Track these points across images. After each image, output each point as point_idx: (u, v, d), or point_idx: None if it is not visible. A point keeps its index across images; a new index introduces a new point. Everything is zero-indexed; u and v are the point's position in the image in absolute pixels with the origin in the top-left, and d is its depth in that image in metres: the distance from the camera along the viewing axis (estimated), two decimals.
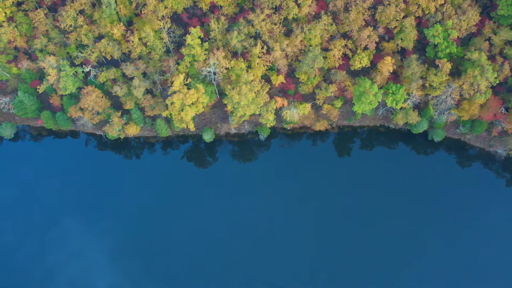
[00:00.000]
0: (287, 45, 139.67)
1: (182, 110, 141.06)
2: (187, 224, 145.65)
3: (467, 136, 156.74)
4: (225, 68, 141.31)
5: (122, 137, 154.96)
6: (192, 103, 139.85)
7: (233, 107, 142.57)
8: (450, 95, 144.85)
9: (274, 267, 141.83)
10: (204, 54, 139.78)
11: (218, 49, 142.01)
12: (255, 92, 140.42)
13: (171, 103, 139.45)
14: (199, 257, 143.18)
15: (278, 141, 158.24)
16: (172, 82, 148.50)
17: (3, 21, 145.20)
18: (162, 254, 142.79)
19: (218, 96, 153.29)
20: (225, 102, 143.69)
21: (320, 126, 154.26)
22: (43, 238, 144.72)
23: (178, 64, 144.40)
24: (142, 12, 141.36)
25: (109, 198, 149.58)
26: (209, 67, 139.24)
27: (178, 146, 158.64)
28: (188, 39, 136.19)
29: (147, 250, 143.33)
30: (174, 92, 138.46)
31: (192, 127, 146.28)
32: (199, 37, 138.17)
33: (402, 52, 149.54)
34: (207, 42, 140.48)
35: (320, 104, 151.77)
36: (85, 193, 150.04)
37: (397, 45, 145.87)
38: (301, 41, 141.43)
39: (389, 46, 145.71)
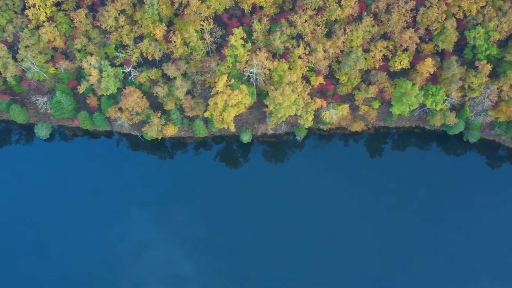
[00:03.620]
0: (329, 46, 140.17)
1: (224, 110, 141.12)
2: (228, 221, 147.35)
3: (502, 137, 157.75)
4: (268, 69, 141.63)
5: (159, 138, 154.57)
6: (235, 104, 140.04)
7: (275, 108, 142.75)
8: (488, 97, 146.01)
9: (308, 265, 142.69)
10: (247, 55, 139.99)
11: (260, 49, 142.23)
12: (297, 93, 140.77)
13: (214, 104, 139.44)
14: (232, 256, 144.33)
15: (315, 142, 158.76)
16: (210, 83, 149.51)
17: (43, 21, 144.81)
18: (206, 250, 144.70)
19: (255, 96, 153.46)
20: (267, 103, 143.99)
21: (357, 127, 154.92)
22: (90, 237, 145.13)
23: (218, 64, 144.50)
24: (185, 12, 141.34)
25: (153, 198, 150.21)
26: (252, 68, 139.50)
27: (216, 146, 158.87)
28: (232, 39, 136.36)
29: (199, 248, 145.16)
30: (217, 93, 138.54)
31: (232, 127, 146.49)
32: (241, 38, 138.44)
33: (439, 53, 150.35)
34: (249, 43, 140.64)
35: (359, 105, 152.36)
36: (127, 193, 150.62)
37: (436, 46, 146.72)
38: (343, 42, 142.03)
39: (428, 47, 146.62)
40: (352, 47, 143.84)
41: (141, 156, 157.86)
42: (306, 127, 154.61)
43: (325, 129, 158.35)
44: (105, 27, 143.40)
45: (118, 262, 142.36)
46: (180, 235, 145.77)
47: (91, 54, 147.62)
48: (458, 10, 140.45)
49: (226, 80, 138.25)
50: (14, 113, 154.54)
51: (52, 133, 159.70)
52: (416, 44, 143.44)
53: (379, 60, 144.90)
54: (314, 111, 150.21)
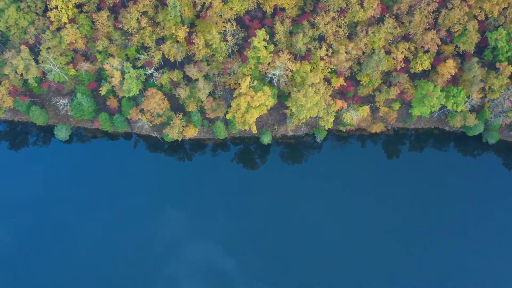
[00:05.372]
0: (351, 48, 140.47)
1: (246, 112, 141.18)
2: (251, 221, 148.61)
3: None
4: (290, 71, 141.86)
5: (180, 139, 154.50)
6: (258, 105, 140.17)
7: (297, 110, 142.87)
8: (508, 98, 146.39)
9: (332, 262, 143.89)
10: (269, 57, 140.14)
11: (282, 51, 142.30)
12: (319, 95, 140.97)
13: (237, 105, 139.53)
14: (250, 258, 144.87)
15: (335, 143, 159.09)
16: (231, 85, 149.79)
17: (65, 23, 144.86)
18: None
19: (276, 98, 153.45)
20: (289, 104, 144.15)
21: (377, 128, 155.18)
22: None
23: (240, 66, 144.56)
24: (207, 14, 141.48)
25: (175, 199, 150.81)
26: (275, 69, 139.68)
27: (236, 148, 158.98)
28: (255, 41, 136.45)
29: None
30: (240, 94, 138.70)
31: (254, 129, 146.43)
32: (264, 39, 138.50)
33: (459, 55, 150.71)
34: (272, 45, 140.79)
35: (379, 107, 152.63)
36: (149, 194, 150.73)
37: (457, 47, 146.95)
38: (365, 44, 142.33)
39: (449, 49, 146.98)
40: (373, 49, 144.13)
41: (161, 157, 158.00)
42: (326, 129, 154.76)
43: (344, 131, 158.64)
44: (127, 29, 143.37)
45: (142, 264, 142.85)
46: (203, 235, 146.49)
47: (112, 56, 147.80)
48: (480, 11, 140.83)
49: (249, 82, 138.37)
50: (34, 115, 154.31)
51: (71, 135, 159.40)
52: (437, 45, 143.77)
53: (401, 62, 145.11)
54: (335, 112, 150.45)
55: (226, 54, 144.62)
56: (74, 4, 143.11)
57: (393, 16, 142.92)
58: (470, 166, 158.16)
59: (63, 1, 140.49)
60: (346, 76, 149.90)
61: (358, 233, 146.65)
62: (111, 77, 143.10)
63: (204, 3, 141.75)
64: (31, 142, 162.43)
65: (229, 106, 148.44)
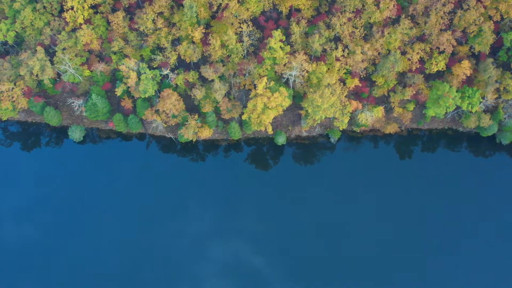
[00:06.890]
0: (367, 48, 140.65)
1: (262, 113, 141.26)
2: (268, 222, 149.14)
3: None
4: (306, 71, 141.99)
5: (194, 140, 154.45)
6: (274, 106, 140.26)
7: (313, 110, 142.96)
8: None
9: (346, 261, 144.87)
10: (286, 58, 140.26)
11: (298, 52, 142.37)
12: (336, 96, 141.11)
13: (253, 106, 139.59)
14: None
15: (349, 144, 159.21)
16: (246, 85, 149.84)
17: (81, 24, 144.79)
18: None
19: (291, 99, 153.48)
20: (305, 105, 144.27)
21: (391, 129, 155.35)
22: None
23: (256, 67, 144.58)
24: (223, 15, 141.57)
25: (193, 199, 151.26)
26: (291, 70, 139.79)
27: (250, 148, 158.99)
28: (271, 42, 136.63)
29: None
30: (256, 95, 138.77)
31: (270, 130, 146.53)
32: (280, 40, 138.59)
33: (474, 55, 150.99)
34: (288, 46, 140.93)
35: (394, 107, 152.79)
36: (168, 195, 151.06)
37: (473, 48, 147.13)
38: (381, 44, 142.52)
39: (463, 49, 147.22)
40: (389, 50, 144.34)
41: (176, 158, 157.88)
42: (341, 129, 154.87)
43: (358, 131, 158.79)
44: (143, 30, 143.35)
45: (164, 264, 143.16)
46: (218, 234, 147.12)
47: (127, 57, 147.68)
48: (496, 12, 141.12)
49: (266, 83, 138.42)
50: (48, 116, 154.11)
51: (84, 136, 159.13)
52: (452, 46, 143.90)
53: (416, 63, 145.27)
54: (350, 113, 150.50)
55: (242, 55, 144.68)
56: (89, 5, 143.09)
57: (409, 17, 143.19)
58: (484, 166, 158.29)
59: (78, 2, 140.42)
60: (361, 77, 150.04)
61: (372, 232, 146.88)
62: (127, 78, 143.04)
63: (220, 4, 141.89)
64: (44, 143, 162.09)
65: (244, 106, 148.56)
